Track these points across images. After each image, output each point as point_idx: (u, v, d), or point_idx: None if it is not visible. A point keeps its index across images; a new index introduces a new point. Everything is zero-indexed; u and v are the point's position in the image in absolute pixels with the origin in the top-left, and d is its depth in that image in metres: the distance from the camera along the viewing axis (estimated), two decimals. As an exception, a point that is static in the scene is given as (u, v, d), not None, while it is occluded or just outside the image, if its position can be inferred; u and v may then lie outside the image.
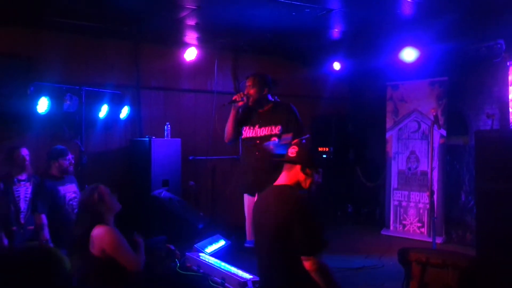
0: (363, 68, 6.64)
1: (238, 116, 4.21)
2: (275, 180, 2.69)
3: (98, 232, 2.69)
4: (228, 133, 4.25)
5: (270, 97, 4.20)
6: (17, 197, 3.95)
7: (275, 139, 4.01)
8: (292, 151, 2.65)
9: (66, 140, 4.79)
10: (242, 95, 4.14)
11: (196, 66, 5.96)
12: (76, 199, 4.22)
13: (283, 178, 2.64)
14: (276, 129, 4.05)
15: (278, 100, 4.28)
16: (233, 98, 4.18)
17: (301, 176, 2.60)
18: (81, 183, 4.41)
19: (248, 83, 4.14)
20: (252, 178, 4.07)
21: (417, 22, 4.79)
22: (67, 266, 1.49)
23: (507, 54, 5.10)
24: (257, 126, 4.14)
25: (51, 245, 3.91)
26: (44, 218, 3.98)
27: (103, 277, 2.68)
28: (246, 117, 4.23)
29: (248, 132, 4.18)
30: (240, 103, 4.14)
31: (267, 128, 4.09)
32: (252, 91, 4.10)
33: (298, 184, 2.61)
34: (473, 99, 5.69)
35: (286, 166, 2.66)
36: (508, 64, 5.08)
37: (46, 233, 3.94)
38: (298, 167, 2.60)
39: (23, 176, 4.03)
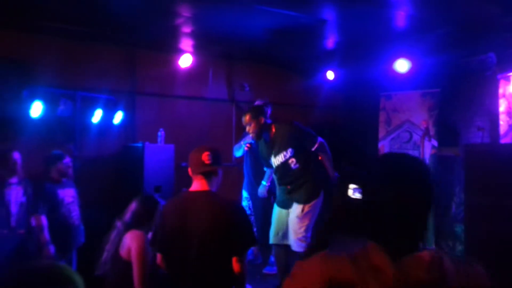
0: (357, 78, 6.69)
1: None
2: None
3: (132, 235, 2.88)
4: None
5: (269, 122, 4.28)
6: (8, 200, 3.93)
7: (293, 160, 4.16)
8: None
9: (59, 145, 4.78)
10: (248, 145, 5.10)
11: (191, 73, 5.99)
12: (73, 204, 4.27)
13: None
14: (288, 153, 4.16)
15: (278, 123, 4.35)
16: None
17: None
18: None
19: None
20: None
21: (410, 34, 4.85)
22: (80, 287, 1.29)
23: (497, 68, 5.16)
24: (272, 157, 4.27)
25: (51, 246, 3.96)
26: (44, 219, 4.01)
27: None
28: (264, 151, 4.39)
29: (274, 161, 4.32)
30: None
31: (281, 155, 4.20)
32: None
33: None
34: (464, 111, 5.75)
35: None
36: (498, 77, 5.15)
37: (46, 234, 3.98)
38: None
39: (14, 180, 4.00)
